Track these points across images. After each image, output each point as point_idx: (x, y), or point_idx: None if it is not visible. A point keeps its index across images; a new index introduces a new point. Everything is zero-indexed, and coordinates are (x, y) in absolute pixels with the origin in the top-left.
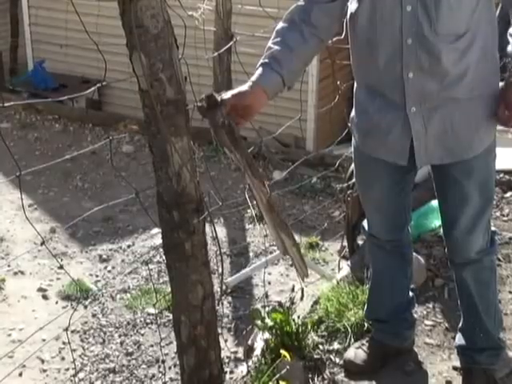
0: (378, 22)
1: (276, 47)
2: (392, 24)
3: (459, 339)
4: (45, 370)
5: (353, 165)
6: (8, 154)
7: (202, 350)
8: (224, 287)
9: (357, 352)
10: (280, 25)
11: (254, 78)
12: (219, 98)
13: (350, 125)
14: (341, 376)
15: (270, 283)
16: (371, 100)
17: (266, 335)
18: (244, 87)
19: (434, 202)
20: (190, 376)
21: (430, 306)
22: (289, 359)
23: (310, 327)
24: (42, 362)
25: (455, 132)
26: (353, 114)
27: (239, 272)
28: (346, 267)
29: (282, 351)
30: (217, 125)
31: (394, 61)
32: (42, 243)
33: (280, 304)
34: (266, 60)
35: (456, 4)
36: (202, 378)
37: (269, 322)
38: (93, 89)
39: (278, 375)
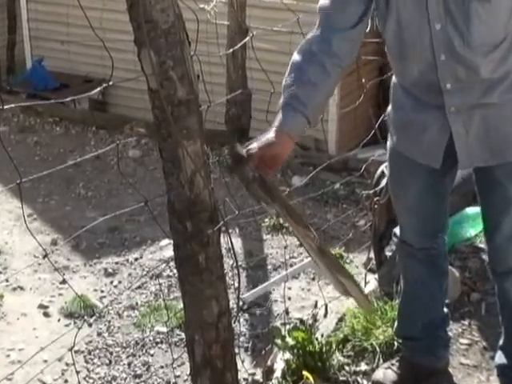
0: (407, 40)
1: (296, 84)
2: (422, 42)
3: (499, 358)
4: None
5: (380, 169)
6: (5, 160)
7: (217, 371)
8: (241, 303)
9: (386, 373)
10: (296, 57)
11: (277, 122)
12: (245, 152)
13: (386, 119)
14: None
15: (290, 299)
16: (407, 97)
17: (287, 355)
18: (269, 136)
19: (469, 210)
20: None
21: (466, 322)
22: (312, 381)
23: (334, 346)
24: None
25: (498, 132)
26: (389, 108)
27: (257, 287)
28: (373, 281)
29: (305, 373)
30: (247, 180)
31: (428, 73)
32: (45, 256)
33: (302, 321)
34: (288, 100)
35: (487, 15)
36: None
37: (290, 341)
38: (98, 90)
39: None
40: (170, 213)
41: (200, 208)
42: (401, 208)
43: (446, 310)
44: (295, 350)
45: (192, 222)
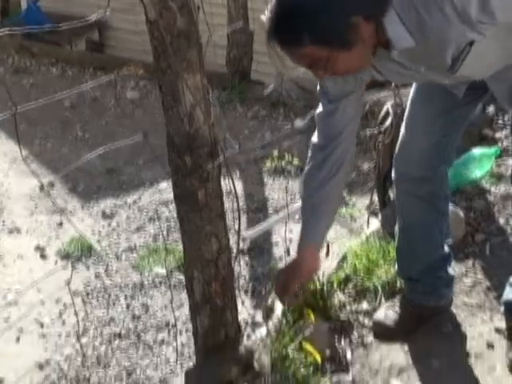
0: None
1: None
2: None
3: (507, 294)
4: (44, 335)
5: (384, 108)
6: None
7: (217, 309)
8: (241, 245)
9: (387, 313)
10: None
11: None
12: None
13: None
14: (370, 338)
15: (291, 241)
16: None
17: None
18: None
19: (475, 151)
20: (204, 338)
21: (470, 263)
22: (313, 319)
23: (336, 286)
24: (41, 325)
25: None
26: None
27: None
28: (375, 222)
29: (306, 310)
30: None
31: None
32: (42, 187)
33: None
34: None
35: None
36: (217, 340)
37: None
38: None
39: (300, 336)
40: (169, 147)
41: (199, 143)
42: (408, 129)
43: (446, 250)
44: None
45: (191, 157)
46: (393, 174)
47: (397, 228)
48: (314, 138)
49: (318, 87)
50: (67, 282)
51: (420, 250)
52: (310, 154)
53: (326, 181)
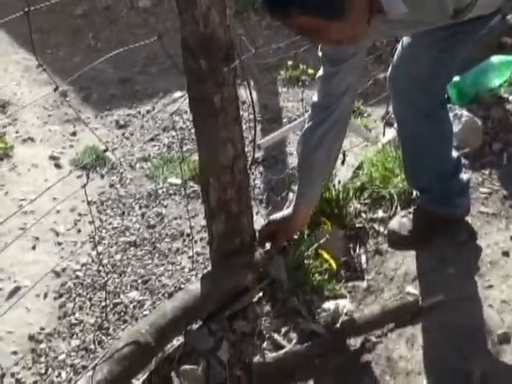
0: None
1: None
2: None
3: None
4: (60, 243)
5: None
6: (9, 10)
7: (232, 215)
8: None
9: (402, 221)
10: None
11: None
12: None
13: None
14: (385, 246)
15: None
16: None
17: None
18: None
19: (494, 58)
20: (219, 244)
21: (487, 172)
22: (329, 227)
23: (351, 194)
24: (57, 234)
25: None
26: None
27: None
28: (392, 131)
29: (323, 219)
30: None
31: None
32: (56, 89)
33: None
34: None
35: None
36: (232, 246)
37: None
38: None
39: (316, 244)
40: (183, 51)
41: (215, 45)
42: (407, 45)
43: (454, 155)
44: None
45: (206, 59)
46: (389, 88)
47: (399, 140)
48: (314, 98)
49: (319, 52)
50: (83, 188)
51: (424, 160)
52: (309, 113)
53: (324, 140)
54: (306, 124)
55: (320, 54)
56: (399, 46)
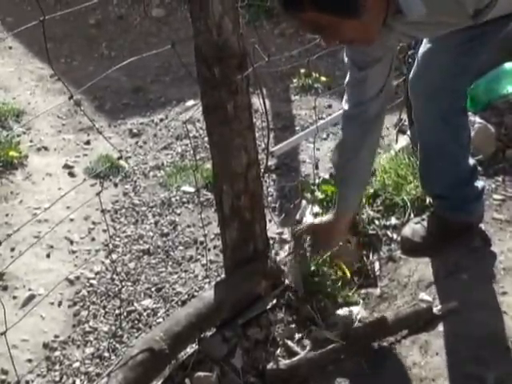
0: None
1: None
2: None
3: None
4: (74, 251)
5: None
6: (24, 21)
7: (246, 222)
8: (269, 163)
9: (415, 228)
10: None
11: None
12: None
13: None
14: (398, 253)
15: (318, 160)
16: None
17: (316, 209)
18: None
19: (508, 65)
20: (233, 251)
21: (500, 179)
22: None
23: (364, 201)
24: (71, 242)
25: None
26: None
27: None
28: (405, 137)
29: None
30: None
31: None
32: (70, 97)
33: (331, 175)
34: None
35: None
36: (245, 253)
37: (319, 195)
38: None
39: (330, 252)
40: (197, 59)
41: (228, 53)
42: (428, 49)
43: (471, 163)
44: (324, 204)
45: (220, 68)
46: (409, 93)
47: (418, 146)
48: (345, 106)
49: (345, 57)
50: (97, 196)
51: (441, 167)
52: (341, 124)
53: (359, 150)
54: (341, 136)
55: (346, 59)
56: (420, 50)
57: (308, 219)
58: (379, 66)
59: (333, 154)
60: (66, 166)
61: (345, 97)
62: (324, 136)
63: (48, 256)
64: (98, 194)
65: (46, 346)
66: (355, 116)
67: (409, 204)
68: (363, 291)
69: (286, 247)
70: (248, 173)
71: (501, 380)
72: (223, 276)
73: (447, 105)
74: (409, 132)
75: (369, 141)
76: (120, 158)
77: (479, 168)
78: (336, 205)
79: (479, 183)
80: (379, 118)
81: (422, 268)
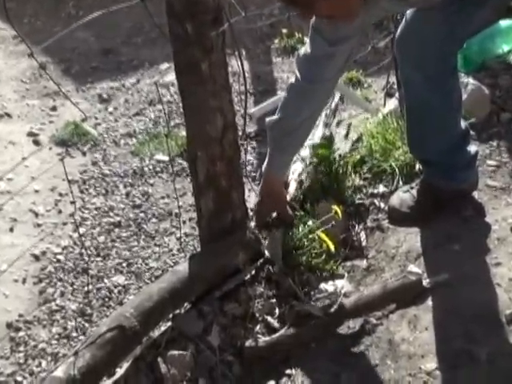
0: None
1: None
2: None
3: None
4: (39, 225)
5: None
6: None
7: (222, 190)
8: (247, 128)
9: (403, 197)
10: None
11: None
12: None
13: None
14: (386, 223)
15: None
16: None
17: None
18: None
19: (503, 23)
20: (208, 221)
21: (494, 144)
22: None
23: (350, 168)
24: (36, 215)
25: None
26: None
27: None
28: (393, 101)
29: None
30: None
31: None
32: (30, 55)
33: (324, 137)
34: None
35: None
36: (223, 223)
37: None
38: None
39: (314, 224)
40: (168, 15)
41: (202, 8)
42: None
43: (462, 126)
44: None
45: (193, 24)
46: (396, 53)
47: (405, 108)
48: (298, 80)
49: (312, 28)
50: (61, 162)
51: (430, 131)
52: (287, 94)
53: (299, 126)
54: (281, 108)
55: (311, 31)
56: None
57: (291, 186)
58: (348, 45)
59: (268, 124)
60: (31, 134)
61: (299, 68)
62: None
63: (11, 230)
64: (61, 159)
65: (9, 325)
66: (307, 91)
67: (397, 171)
68: (348, 263)
69: None
70: (224, 137)
71: (493, 357)
72: (200, 245)
73: (436, 66)
74: (397, 95)
75: (315, 112)
76: (84, 119)
77: (472, 132)
78: (267, 167)
79: (472, 148)
80: (327, 97)
81: (411, 238)
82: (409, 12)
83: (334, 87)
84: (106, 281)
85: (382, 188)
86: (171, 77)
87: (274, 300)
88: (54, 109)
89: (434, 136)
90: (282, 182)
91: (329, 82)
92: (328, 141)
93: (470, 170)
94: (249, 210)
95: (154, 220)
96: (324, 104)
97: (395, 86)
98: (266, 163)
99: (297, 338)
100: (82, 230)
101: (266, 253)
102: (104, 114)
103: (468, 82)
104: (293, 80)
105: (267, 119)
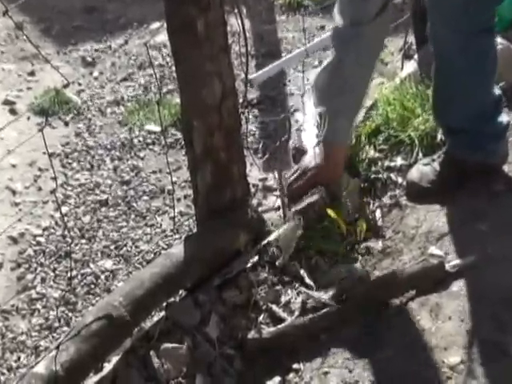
0: None
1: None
2: None
3: None
4: (17, 203)
5: None
6: None
7: (221, 164)
8: (249, 94)
9: (424, 170)
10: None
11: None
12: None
13: None
14: (404, 200)
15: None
16: None
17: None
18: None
19: None
20: (206, 199)
21: None
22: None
23: (364, 139)
24: (13, 193)
25: None
26: None
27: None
28: (412, 63)
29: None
30: None
31: None
32: (5, 13)
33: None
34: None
35: None
36: (221, 202)
37: None
38: None
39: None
40: None
41: None
42: None
43: (496, 93)
44: None
45: None
46: (427, 6)
47: (433, 68)
48: (338, 21)
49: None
50: (40, 133)
51: (459, 95)
52: (332, 43)
53: (352, 76)
54: (329, 61)
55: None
56: None
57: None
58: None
59: (317, 79)
60: (7, 102)
61: (338, 6)
62: (315, 63)
63: None
64: (41, 130)
65: None
66: (350, 37)
67: (417, 142)
68: (363, 245)
69: (273, 198)
70: (222, 105)
71: None
72: (196, 226)
73: (472, 21)
74: (416, 56)
75: (365, 66)
76: (67, 85)
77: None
78: (324, 138)
79: (504, 118)
80: (379, 43)
81: (432, 217)
82: None
83: (380, 37)
84: (91, 265)
85: (399, 161)
86: (163, 37)
87: (279, 287)
88: (32, 74)
89: (463, 101)
90: (345, 152)
91: (368, 26)
92: None
93: (500, 142)
94: (250, 186)
95: (144, 197)
96: (375, 52)
97: (414, 47)
98: (321, 134)
99: (305, 329)
100: (64, 209)
101: (273, 237)
102: (88, 79)
103: (496, 42)
104: (338, 21)
105: (313, 82)
